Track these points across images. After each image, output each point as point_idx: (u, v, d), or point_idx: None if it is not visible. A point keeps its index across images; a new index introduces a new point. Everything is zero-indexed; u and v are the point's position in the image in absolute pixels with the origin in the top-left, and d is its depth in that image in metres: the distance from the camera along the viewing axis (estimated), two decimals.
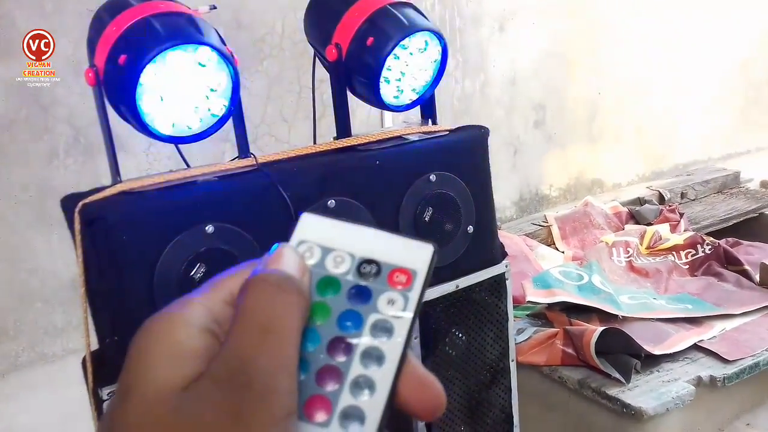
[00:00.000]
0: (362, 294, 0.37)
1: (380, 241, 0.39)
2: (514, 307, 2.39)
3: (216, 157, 2.47)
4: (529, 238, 2.89)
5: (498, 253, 1.39)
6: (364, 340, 0.36)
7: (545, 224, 3.01)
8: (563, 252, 2.84)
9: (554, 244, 2.93)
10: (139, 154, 2.52)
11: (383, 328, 0.36)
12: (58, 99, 2.54)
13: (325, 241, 0.38)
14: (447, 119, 3.26)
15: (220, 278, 0.36)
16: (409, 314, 0.36)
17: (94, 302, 1.04)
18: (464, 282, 1.33)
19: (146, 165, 2.53)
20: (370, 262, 0.38)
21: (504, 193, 3.52)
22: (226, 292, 0.35)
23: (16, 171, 2.51)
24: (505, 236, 2.83)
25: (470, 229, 1.32)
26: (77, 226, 1.00)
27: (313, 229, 0.39)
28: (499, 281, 1.38)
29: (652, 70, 3.91)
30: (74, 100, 2.54)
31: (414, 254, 0.38)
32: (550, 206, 3.67)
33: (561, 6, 3.55)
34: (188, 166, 1.24)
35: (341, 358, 0.35)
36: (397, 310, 0.36)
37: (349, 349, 0.35)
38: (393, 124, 1.42)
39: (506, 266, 1.40)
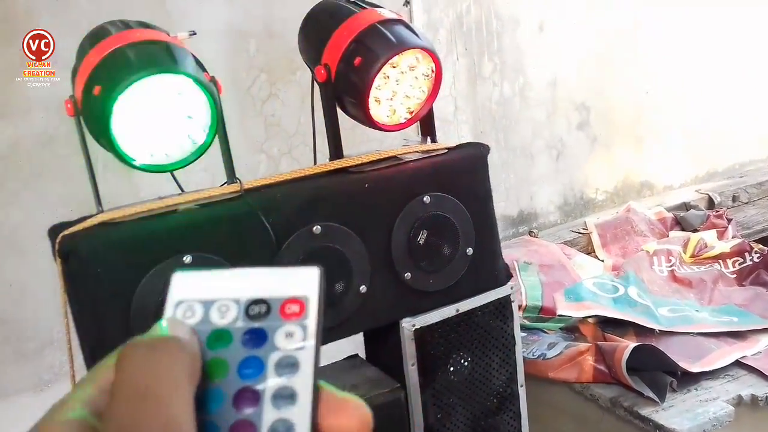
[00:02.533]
0: (257, 336, 0.35)
1: (262, 278, 0.37)
2: (548, 320, 2.32)
3: (251, 168, 2.49)
4: (568, 247, 2.80)
5: (503, 275, 1.33)
6: (270, 383, 0.34)
7: (585, 231, 2.91)
8: (603, 260, 2.73)
9: (594, 252, 2.82)
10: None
11: (288, 364, 0.35)
12: None
13: (204, 294, 0.37)
14: (487, 124, 3.20)
15: (97, 366, 0.35)
16: (310, 342, 0.35)
17: (78, 331, 1.05)
18: (465, 306, 1.28)
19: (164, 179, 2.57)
20: (257, 302, 0.36)
21: (547, 198, 3.43)
22: (104, 380, 0.34)
23: (56, 186, 2.59)
24: (541, 244, 2.75)
25: (469, 250, 1.27)
26: (57, 257, 1.01)
27: (189, 287, 0.38)
28: (505, 303, 1.33)
29: (703, 66, 3.73)
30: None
31: (301, 281, 0.37)
32: (597, 210, 3.54)
33: (603, 4, 3.42)
34: (182, 190, 1.24)
35: (250, 409, 0.34)
36: (297, 341, 0.35)
37: (256, 396, 0.34)
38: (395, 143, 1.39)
39: (511, 288, 1.34)
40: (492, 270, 1.31)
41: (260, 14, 2.82)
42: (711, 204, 3.07)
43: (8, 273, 2.45)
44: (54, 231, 1.07)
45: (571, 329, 2.27)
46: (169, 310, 0.36)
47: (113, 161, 2.66)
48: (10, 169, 2.39)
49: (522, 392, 1.36)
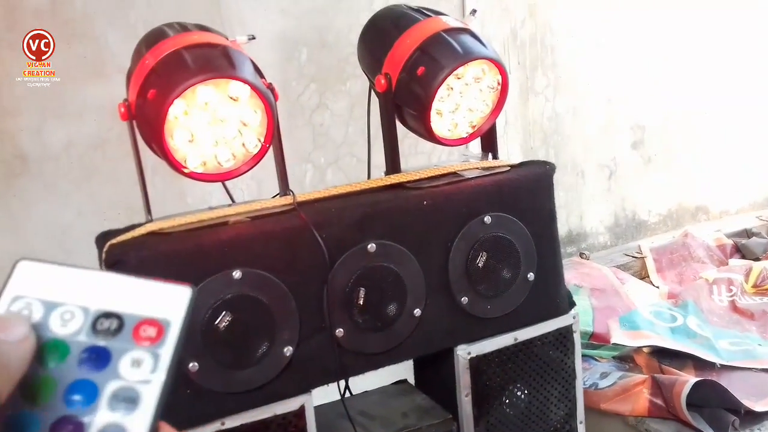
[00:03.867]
0: (98, 357, 0.31)
1: (123, 289, 0.32)
2: (600, 347, 2.22)
3: (297, 178, 2.45)
4: (621, 271, 2.68)
5: (565, 303, 1.25)
6: (100, 417, 0.29)
7: (639, 255, 2.79)
8: (658, 287, 2.61)
9: (648, 277, 2.70)
10: None
11: (126, 398, 0.30)
12: None
13: (48, 294, 0.32)
14: (537, 139, 3.11)
15: None
16: (159, 376, 0.30)
17: None
18: (523, 334, 1.20)
19: (212, 187, 2.55)
20: (108, 315, 0.31)
21: (597, 219, 3.32)
22: None
23: (106, 189, 2.59)
24: (593, 267, 2.65)
25: (531, 276, 1.19)
26: (102, 266, 0.97)
27: (34, 281, 0.32)
28: (566, 334, 1.24)
29: (762, 88, 3.58)
30: None
31: (166, 301, 0.32)
32: (649, 233, 3.42)
33: (661, 19, 3.31)
34: (232, 200, 1.20)
35: None
36: (144, 372, 0.30)
37: (78, 431, 0.28)
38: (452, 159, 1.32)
39: (574, 317, 1.26)
40: (554, 297, 1.22)
41: (313, 23, 2.79)
42: None
43: None
44: (102, 238, 1.03)
45: (625, 358, 2.16)
46: (2, 303, 0.31)
47: (161, 165, 2.66)
48: (62, 170, 2.40)
49: (581, 429, 1.28)
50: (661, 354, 2.09)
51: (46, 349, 0.31)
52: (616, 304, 2.42)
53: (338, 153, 2.91)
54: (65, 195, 2.44)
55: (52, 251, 2.40)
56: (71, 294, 0.32)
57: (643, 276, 2.73)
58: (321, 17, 2.72)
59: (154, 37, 1.02)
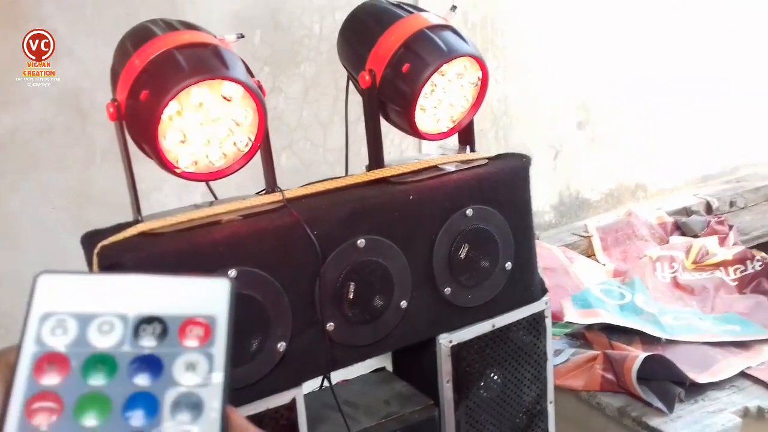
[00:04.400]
0: (150, 366, 0.29)
1: (157, 290, 0.31)
2: (553, 325, 2.31)
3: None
4: (569, 250, 2.79)
5: (538, 290, 1.31)
6: (167, 430, 0.27)
7: (586, 234, 2.91)
8: (604, 264, 2.73)
9: (595, 255, 2.82)
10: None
11: (189, 405, 0.28)
12: (96, 104, 2.52)
13: (80, 306, 0.29)
14: (488, 121, 3.17)
15: None
16: (217, 377, 0.28)
17: None
18: (501, 321, 1.26)
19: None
20: (150, 320, 0.30)
21: (543, 198, 3.43)
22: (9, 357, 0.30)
23: (53, 176, 2.51)
24: (543, 247, 2.74)
25: (508, 265, 1.25)
26: (95, 268, 0.96)
27: (61, 294, 0.30)
28: (539, 319, 1.31)
29: (699, 70, 3.75)
30: None
31: (206, 296, 0.30)
32: (592, 211, 3.55)
33: (607, 5, 3.42)
34: (215, 197, 1.20)
35: None
36: (201, 375, 0.29)
37: None
38: (428, 151, 1.35)
39: (546, 303, 1.32)
40: (529, 285, 1.28)
41: (266, 4, 2.75)
42: (709, 209, 3.09)
43: (1, 264, 2.37)
44: (89, 239, 1.02)
45: (576, 335, 2.26)
46: (32, 325, 0.29)
47: (111, 152, 2.58)
48: (8, 158, 2.31)
49: (551, 409, 1.35)
50: (611, 330, 2.19)
51: (90, 365, 0.29)
52: (566, 283, 2.52)
53: (292, 137, 2.90)
54: (12, 183, 2.35)
55: None
56: (104, 303, 0.30)
57: (590, 254, 2.85)
58: None
59: (141, 35, 1.00)
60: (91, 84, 2.37)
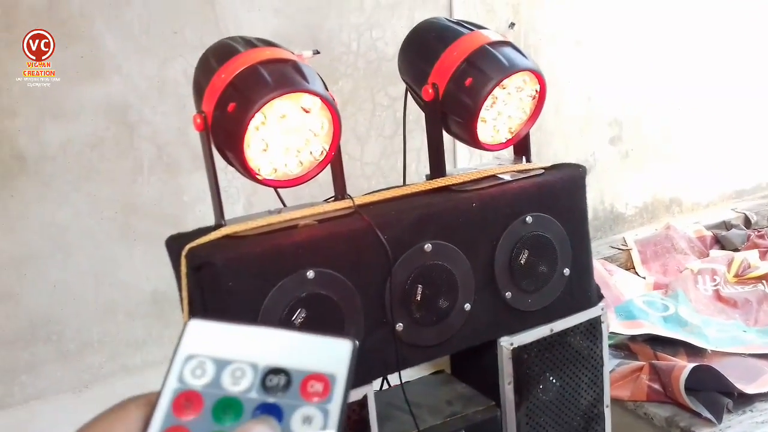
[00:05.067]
0: (271, 413, 0.31)
1: (287, 344, 0.33)
2: None
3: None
4: (608, 263, 2.81)
5: (594, 295, 1.35)
6: None
7: (624, 248, 2.93)
8: (644, 278, 2.75)
9: (634, 268, 2.84)
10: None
11: None
12: (144, 118, 2.61)
13: (219, 351, 0.33)
14: None
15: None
16: None
17: None
18: (559, 326, 1.30)
19: (224, 182, 2.59)
20: (277, 371, 0.32)
21: None
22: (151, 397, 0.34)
23: (103, 188, 2.60)
24: None
25: (566, 271, 1.29)
26: (183, 269, 1.02)
27: (204, 339, 0.33)
28: (595, 324, 1.34)
29: (732, 85, 3.77)
30: (158, 119, 2.61)
31: (329, 354, 0.33)
32: (626, 225, 3.57)
33: (641, 22, 3.46)
34: (284, 204, 1.26)
35: None
36: (315, 429, 0.30)
37: None
38: (485, 161, 1.40)
39: (602, 309, 1.36)
40: (585, 290, 1.32)
41: (306, 23, 2.84)
42: (747, 223, 3.09)
43: (53, 273, 2.46)
44: (174, 242, 1.08)
45: (620, 347, 2.28)
46: (177, 364, 0.32)
47: (158, 164, 2.66)
48: (60, 170, 2.41)
49: (608, 413, 1.38)
50: (655, 341, 2.21)
51: (220, 406, 0.32)
52: (607, 296, 2.54)
53: None
54: (63, 195, 2.45)
55: (50, 251, 2.41)
56: (240, 350, 0.33)
57: (629, 267, 2.87)
58: (313, 16, 2.77)
59: (224, 51, 1.07)
60: (138, 99, 2.46)
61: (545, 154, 3.36)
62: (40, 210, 2.42)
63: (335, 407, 0.31)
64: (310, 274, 1.04)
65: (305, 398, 0.31)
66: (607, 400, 1.38)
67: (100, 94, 2.46)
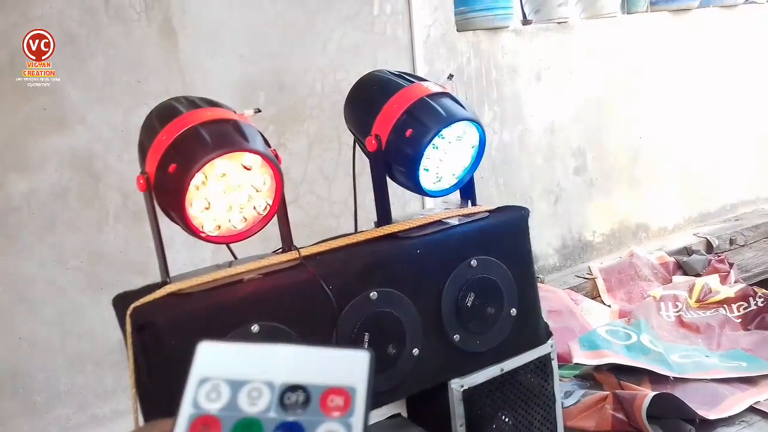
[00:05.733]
0: None
1: (302, 359, 0.32)
2: (561, 367, 2.36)
3: None
4: (574, 292, 2.85)
5: (543, 333, 1.37)
6: None
7: (590, 276, 2.97)
8: (609, 306, 2.79)
9: (600, 297, 2.88)
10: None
11: None
12: (109, 166, 2.63)
13: (233, 373, 0.32)
14: (487, 170, 3.27)
15: None
16: None
17: (143, 396, 1.07)
18: (509, 365, 1.32)
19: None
20: (294, 388, 0.31)
21: (546, 241, 3.50)
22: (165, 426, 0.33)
23: (68, 238, 2.60)
24: (549, 290, 2.80)
25: (513, 311, 1.32)
26: (128, 328, 1.03)
27: (217, 361, 0.32)
28: (545, 361, 1.37)
29: (693, 112, 3.88)
30: (123, 167, 2.63)
31: (347, 367, 0.31)
32: (595, 252, 3.62)
33: (598, 54, 3.56)
34: (234, 257, 1.28)
35: None
36: None
37: None
38: (433, 206, 1.43)
39: (551, 346, 1.39)
40: (534, 329, 1.35)
41: (270, 67, 2.89)
42: (709, 247, 3.15)
43: (19, 326, 2.44)
44: (120, 301, 1.09)
45: (585, 377, 2.31)
46: (190, 389, 0.32)
47: (123, 213, 2.65)
48: (23, 221, 2.41)
49: None
50: (619, 370, 2.24)
51: (239, 429, 0.31)
52: (573, 325, 2.58)
53: (298, 191, 3.00)
54: (27, 246, 2.44)
55: (14, 303, 2.40)
56: (254, 370, 0.32)
57: (595, 296, 2.91)
58: (278, 60, 2.82)
59: (166, 113, 1.10)
60: (103, 148, 2.48)
61: (512, 186, 3.42)
62: (4, 262, 2.41)
63: (358, 421, 0.30)
64: (255, 328, 1.06)
65: (326, 414, 0.30)
66: None
67: (63, 144, 2.47)
